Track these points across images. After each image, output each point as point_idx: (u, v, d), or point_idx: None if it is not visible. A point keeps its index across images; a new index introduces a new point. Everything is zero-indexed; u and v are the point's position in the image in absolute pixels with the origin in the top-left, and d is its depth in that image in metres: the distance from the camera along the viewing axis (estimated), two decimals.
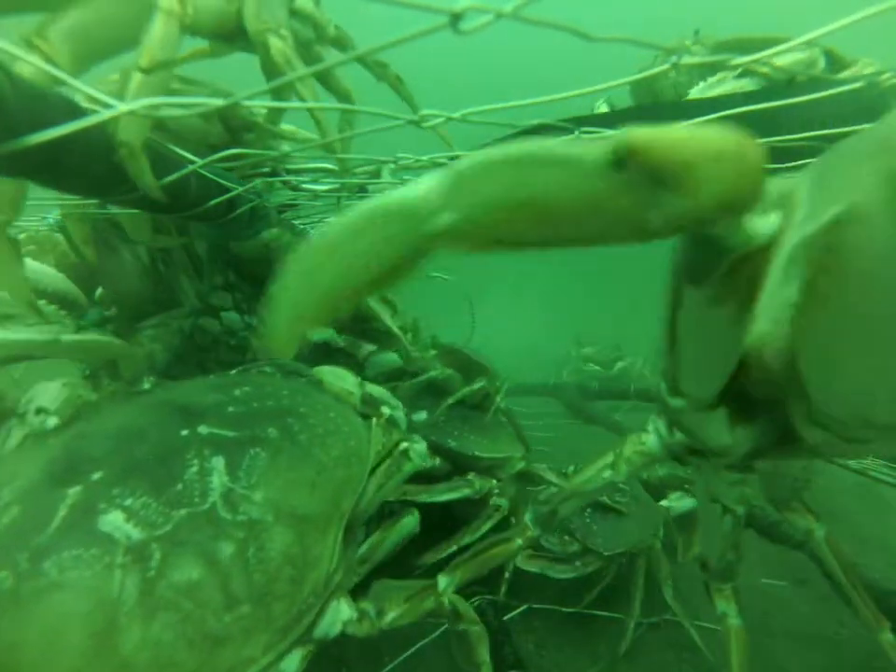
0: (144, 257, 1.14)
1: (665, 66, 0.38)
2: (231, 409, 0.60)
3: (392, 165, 0.90)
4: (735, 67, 1.08)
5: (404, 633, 0.96)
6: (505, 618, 0.96)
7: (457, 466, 1.08)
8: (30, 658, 0.40)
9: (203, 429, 0.56)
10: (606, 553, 0.93)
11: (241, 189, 0.90)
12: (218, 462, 0.53)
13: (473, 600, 0.97)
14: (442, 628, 0.96)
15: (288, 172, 1.08)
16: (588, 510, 1.00)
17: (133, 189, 0.66)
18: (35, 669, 0.40)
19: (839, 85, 0.60)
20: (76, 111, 0.53)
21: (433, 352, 1.30)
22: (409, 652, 0.91)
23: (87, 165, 0.60)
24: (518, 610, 0.99)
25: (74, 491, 0.47)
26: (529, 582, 1.00)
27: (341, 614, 0.61)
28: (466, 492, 0.99)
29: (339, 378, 0.83)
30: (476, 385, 1.18)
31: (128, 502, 0.47)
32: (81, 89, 0.48)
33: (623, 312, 2.70)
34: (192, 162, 0.71)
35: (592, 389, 2.43)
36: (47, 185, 0.64)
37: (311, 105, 0.75)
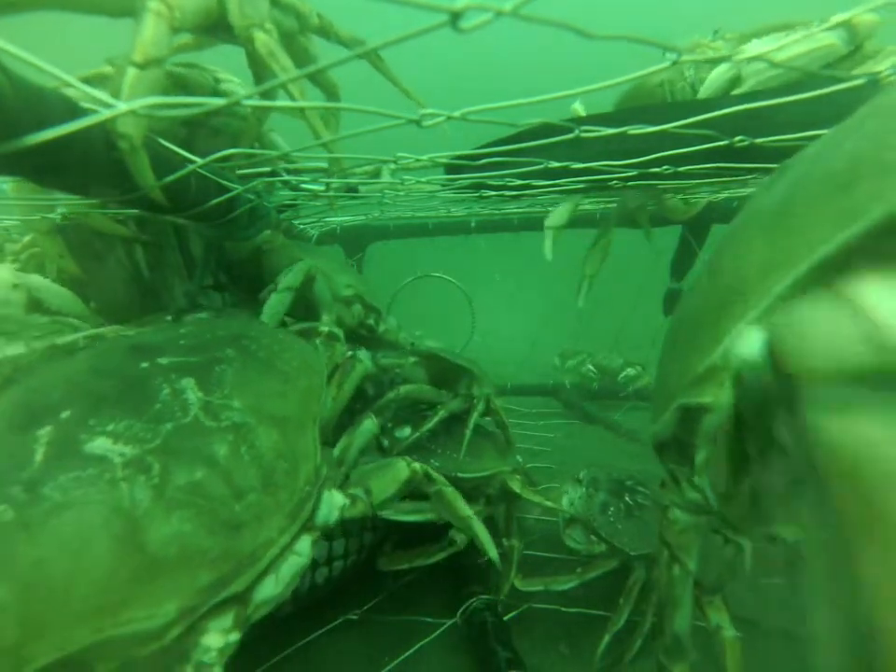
0: (127, 265, 1.14)
1: (665, 64, 0.38)
2: (183, 342, 0.62)
3: (392, 165, 0.90)
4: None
5: (404, 633, 0.96)
6: (505, 618, 0.96)
7: None
8: (61, 569, 0.41)
9: (163, 360, 0.58)
10: (633, 554, 0.92)
11: (241, 188, 0.90)
12: (189, 382, 0.56)
13: (472, 600, 0.97)
14: (442, 628, 0.96)
15: (288, 172, 1.08)
16: (611, 509, 0.99)
17: (133, 188, 0.66)
18: (69, 578, 0.41)
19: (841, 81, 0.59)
20: (76, 111, 0.53)
21: (412, 359, 1.18)
22: (409, 652, 0.91)
23: (87, 164, 0.60)
24: (518, 610, 0.99)
25: (45, 431, 0.47)
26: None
27: (336, 502, 0.66)
28: (430, 516, 0.96)
29: None
30: (453, 403, 1.10)
31: (109, 427, 0.48)
32: (81, 87, 0.48)
33: (621, 313, 2.69)
34: (192, 161, 0.71)
35: (591, 389, 2.44)
36: (46, 185, 0.64)
37: (303, 104, 0.75)
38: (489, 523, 1.11)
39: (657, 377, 0.56)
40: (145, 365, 0.57)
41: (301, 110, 0.78)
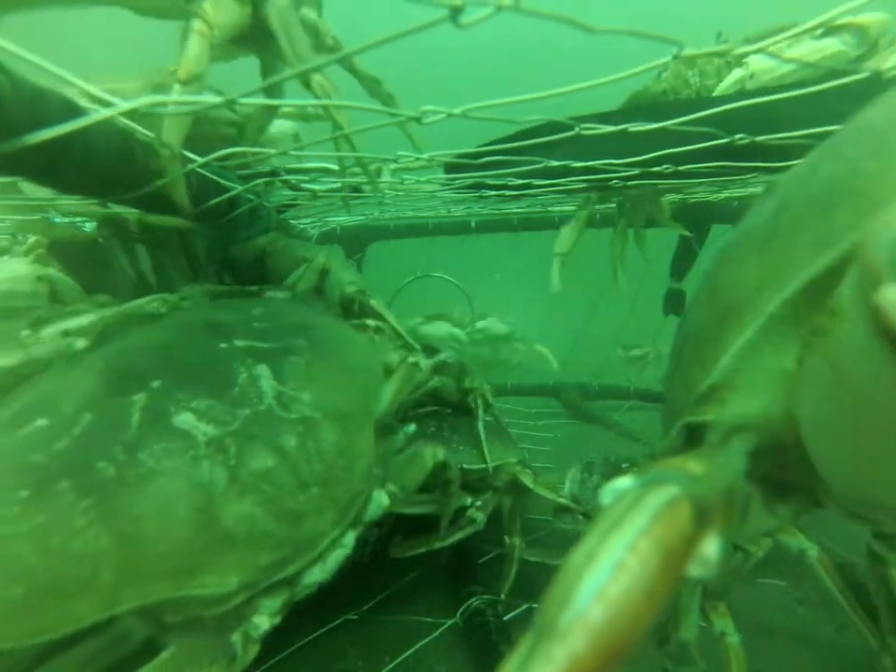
0: (131, 271, 1.13)
1: (668, 58, 0.38)
2: (256, 325, 0.65)
3: (393, 164, 0.90)
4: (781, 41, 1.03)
5: (404, 633, 0.96)
6: (505, 618, 0.96)
7: None
8: (153, 528, 0.46)
9: (239, 342, 0.61)
10: None
11: (241, 188, 0.90)
12: (263, 369, 0.59)
13: (473, 600, 0.97)
14: (442, 628, 0.96)
15: (288, 171, 1.08)
16: (599, 485, 0.99)
17: (132, 188, 0.66)
18: (158, 538, 0.46)
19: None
20: (76, 111, 0.53)
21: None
22: (409, 652, 0.91)
23: (87, 164, 0.60)
24: (518, 610, 0.99)
25: (139, 397, 0.51)
26: (530, 582, 1.00)
27: (382, 501, 0.69)
28: (436, 507, 0.96)
29: None
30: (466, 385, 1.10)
31: (194, 404, 0.52)
32: (81, 86, 0.48)
33: (622, 311, 2.69)
34: (192, 161, 0.71)
35: (592, 389, 2.43)
36: (47, 184, 0.64)
37: (300, 101, 0.76)
38: (495, 515, 1.11)
39: (665, 394, 0.56)
40: (223, 345, 0.59)
41: (326, 108, 0.79)
